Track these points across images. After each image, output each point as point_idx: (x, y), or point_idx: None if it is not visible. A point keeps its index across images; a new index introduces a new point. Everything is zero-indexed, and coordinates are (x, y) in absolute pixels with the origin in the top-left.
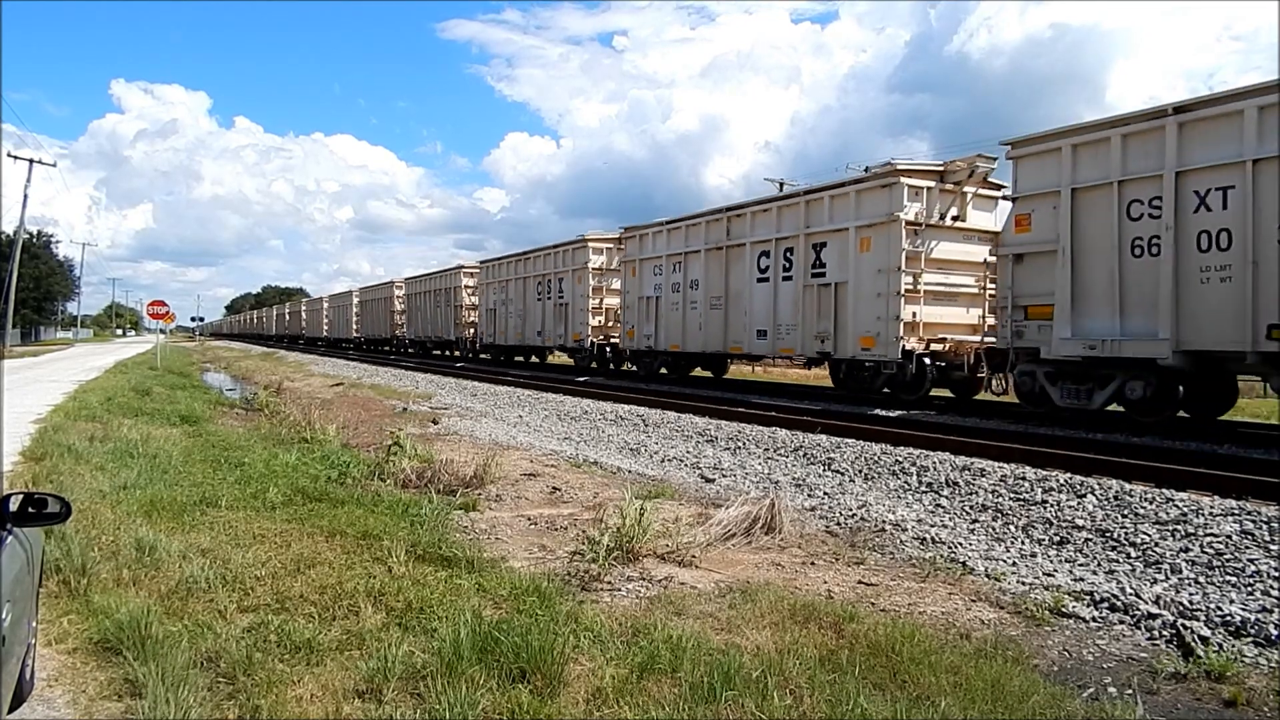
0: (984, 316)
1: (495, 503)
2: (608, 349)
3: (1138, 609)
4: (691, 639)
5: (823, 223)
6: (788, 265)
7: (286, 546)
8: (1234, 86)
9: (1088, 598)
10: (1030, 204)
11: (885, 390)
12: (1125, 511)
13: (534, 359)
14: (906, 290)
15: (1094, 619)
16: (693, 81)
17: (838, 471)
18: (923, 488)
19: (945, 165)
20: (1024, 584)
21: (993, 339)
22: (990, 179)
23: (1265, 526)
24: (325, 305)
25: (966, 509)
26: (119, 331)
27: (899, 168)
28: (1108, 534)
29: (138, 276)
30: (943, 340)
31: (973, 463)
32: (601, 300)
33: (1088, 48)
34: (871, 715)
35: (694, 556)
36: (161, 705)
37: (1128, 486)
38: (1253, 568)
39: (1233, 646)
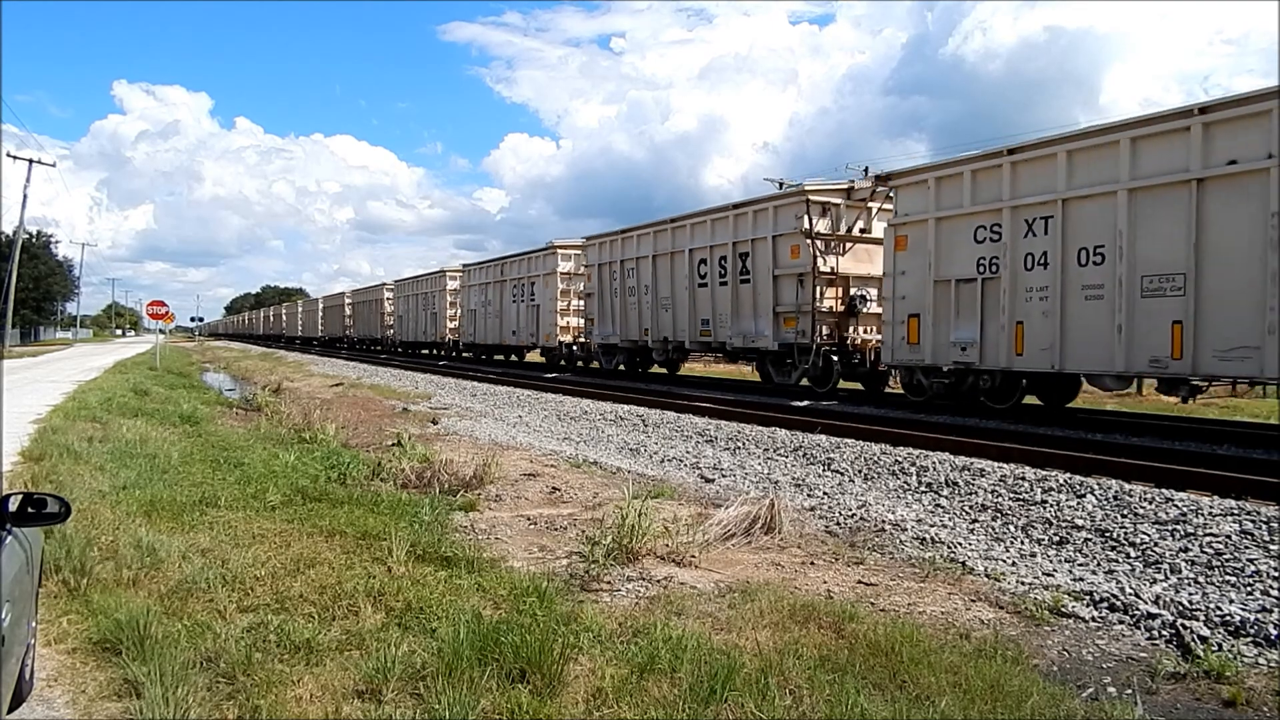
0: (587, 325)
1: (495, 503)
2: (460, 343)
3: (1137, 609)
4: (691, 639)
5: (533, 271)
6: (521, 293)
7: (286, 546)
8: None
9: (1087, 597)
10: (590, 270)
11: (561, 363)
12: (1125, 511)
13: (432, 351)
14: (562, 309)
15: (1093, 619)
16: (691, 83)
17: (837, 471)
18: (922, 488)
19: (584, 242)
20: (1023, 584)
21: (599, 339)
22: None
23: (1265, 526)
24: (300, 309)
25: (966, 509)
26: (118, 332)
27: (556, 245)
28: (1107, 534)
29: (138, 277)
30: (582, 336)
31: (972, 463)
32: (457, 312)
33: (1082, 51)
34: (871, 715)
35: (694, 556)
36: (161, 705)
37: (1127, 486)
38: (1252, 568)
39: (1232, 646)
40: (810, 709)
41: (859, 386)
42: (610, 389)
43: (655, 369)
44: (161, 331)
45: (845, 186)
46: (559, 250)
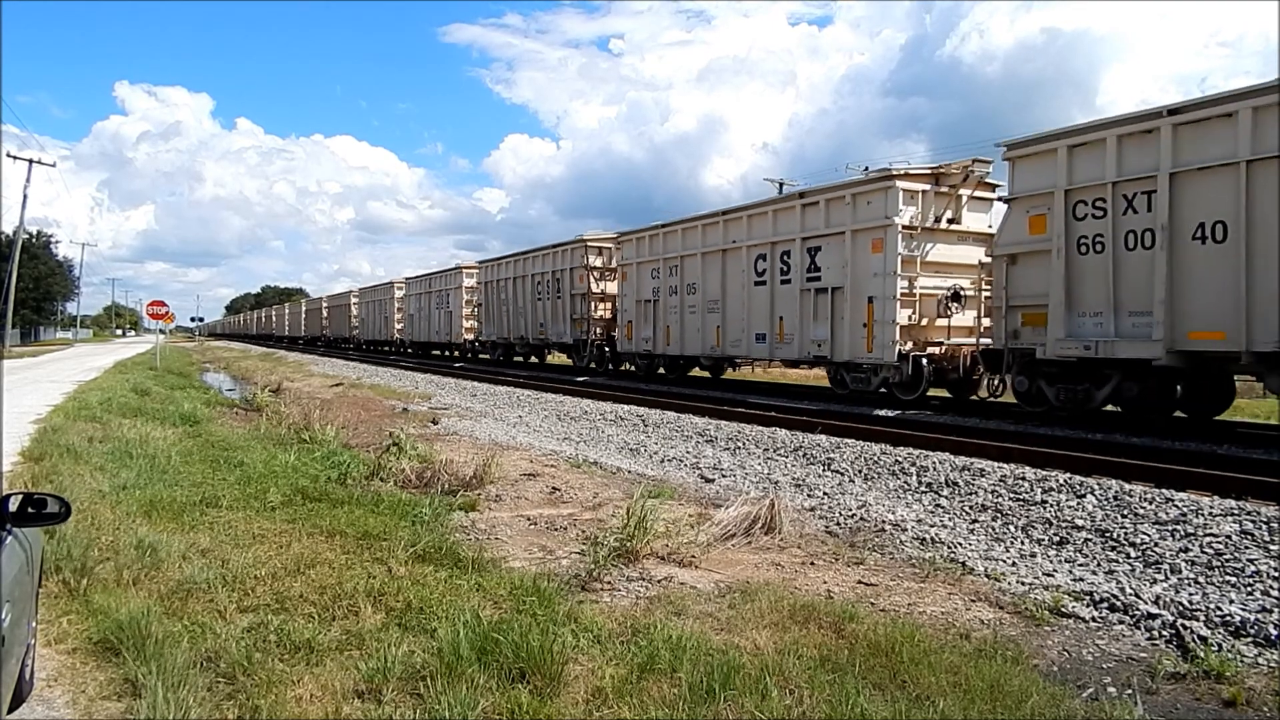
0: (478, 326)
1: (495, 503)
2: (406, 341)
3: (1137, 609)
4: (691, 639)
5: (448, 285)
6: (442, 302)
7: (286, 547)
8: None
9: (1087, 598)
10: (480, 286)
11: (468, 356)
12: (1125, 511)
13: (387, 348)
14: (466, 315)
15: (1093, 619)
16: (690, 84)
17: (837, 471)
18: (922, 488)
19: (478, 264)
20: (1024, 584)
21: (486, 337)
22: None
23: (1265, 526)
24: (287, 312)
25: (966, 509)
26: (118, 332)
27: (461, 266)
28: (1107, 534)
29: (139, 277)
30: (486, 337)
31: (972, 463)
32: (403, 316)
33: (1079, 52)
34: (871, 715)
35: (694, 556)
36: (161, 705)
37: (1127, 486)
38: (1252, 568)
39: (1232, 646)
40: (810, 709)
41: (633, 368)
42: (482, 372)
43: (532, 359)
44: (161, 331)
45: (614, 235)
46: (463, 270)
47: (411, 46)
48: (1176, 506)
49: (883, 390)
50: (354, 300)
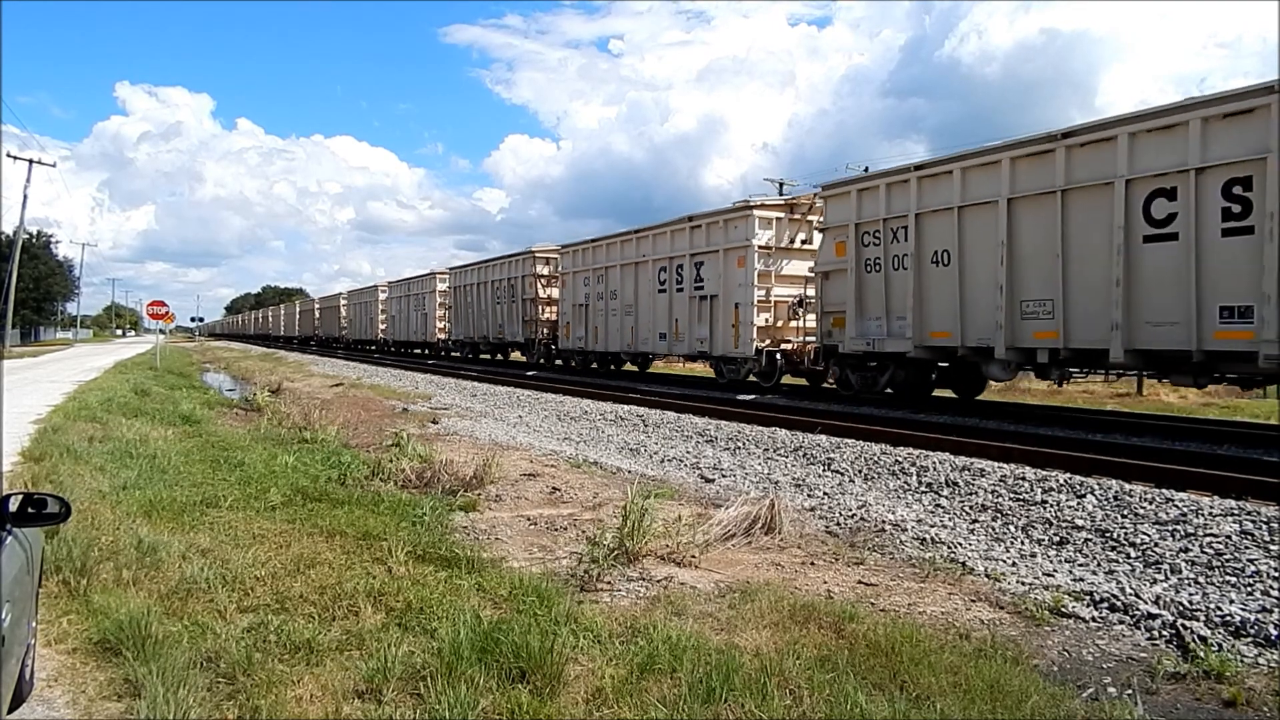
0: (449, 326)
1: (495, 503)
2: (389, 340)
3: (1137, 609)
4: (691, 639)
5: (423, 289)
6: (419, 305)
7: (286, 547)
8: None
9: (1087, 598)
10: (450, 290)
11: (441, 354)
12: (1125, 511)
13: (372, 347)
14: (439, 316)
15: (1093, 619)
16: (690, 84)
17: (837, 471)
18: (922, 488)
19: (449, 270)
20: (1024, 584)
21: (455, 337)
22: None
23: (1265, 526)
24: (283, 313)
25: (966, 509)
26: (118, 332)
27: (435, 272)
28: (1107, 534)
29: (139, 277)
30: (455, 337)
31: (972, 463)
32: (386, 317)
33: (1078, 52)
34: (871, 715)
35: (694, 557)
36: (161, 705)
37: (1127, 486)
38: (1252, 568)
39: (1232, 646)
40: (810, 709)
41: (572, 363)
42: (454, 369)
43: (498, 356)
44: (161, 332)
45: (558, 247)
46: (436, 275)
47: (411, 47)
48: (1176, 506)
49: (751, 379)
50: (343, 302)
